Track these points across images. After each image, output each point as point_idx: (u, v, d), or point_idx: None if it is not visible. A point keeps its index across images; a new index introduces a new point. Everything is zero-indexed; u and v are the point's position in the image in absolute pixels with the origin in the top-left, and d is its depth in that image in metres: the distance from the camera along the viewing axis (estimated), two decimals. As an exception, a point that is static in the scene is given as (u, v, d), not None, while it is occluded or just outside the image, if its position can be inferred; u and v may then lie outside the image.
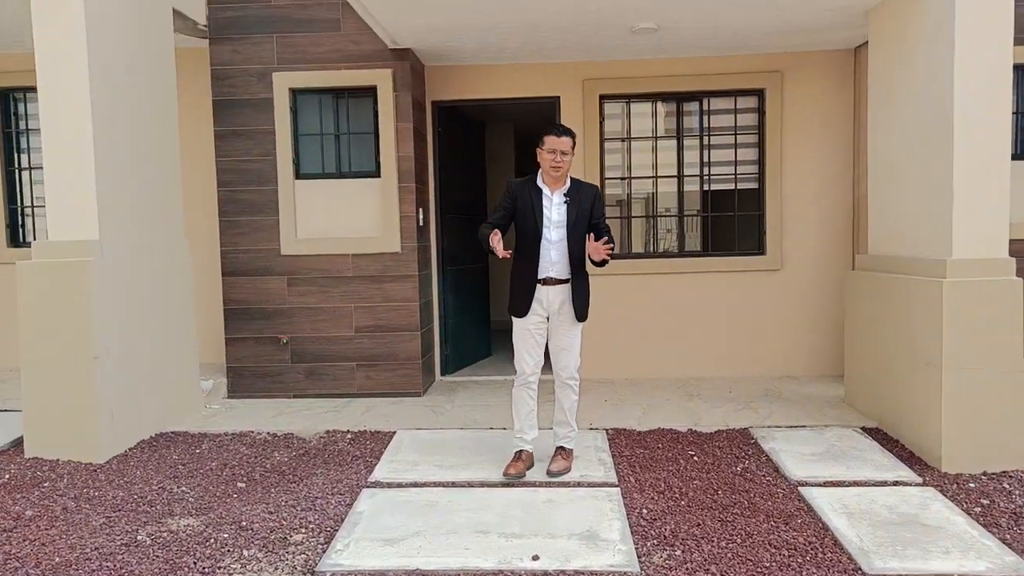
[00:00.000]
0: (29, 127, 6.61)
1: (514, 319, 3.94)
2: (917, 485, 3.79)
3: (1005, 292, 4.00)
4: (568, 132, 3.82)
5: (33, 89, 6.04)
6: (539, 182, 3.89)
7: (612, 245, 3.76)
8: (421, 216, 5.96)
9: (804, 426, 4.81)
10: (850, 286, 5.23)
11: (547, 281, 3.84)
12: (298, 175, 5.83)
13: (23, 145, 6.71)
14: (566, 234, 3.83)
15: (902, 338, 4.46)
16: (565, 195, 3.84)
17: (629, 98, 6.40)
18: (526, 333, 3.91)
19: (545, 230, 3.82)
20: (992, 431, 3.98)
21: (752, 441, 4.52)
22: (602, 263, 3.78)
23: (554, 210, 3.83)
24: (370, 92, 5.75)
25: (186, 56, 6.15)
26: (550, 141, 3.78)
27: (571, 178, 3.91)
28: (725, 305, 6.33)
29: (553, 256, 3.83)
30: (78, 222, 4.35)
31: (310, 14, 5.67)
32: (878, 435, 4.60)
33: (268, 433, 4.86)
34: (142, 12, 4.90)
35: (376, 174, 5.80)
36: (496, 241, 3.71)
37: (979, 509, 3.48)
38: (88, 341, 4.26)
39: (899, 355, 4.50)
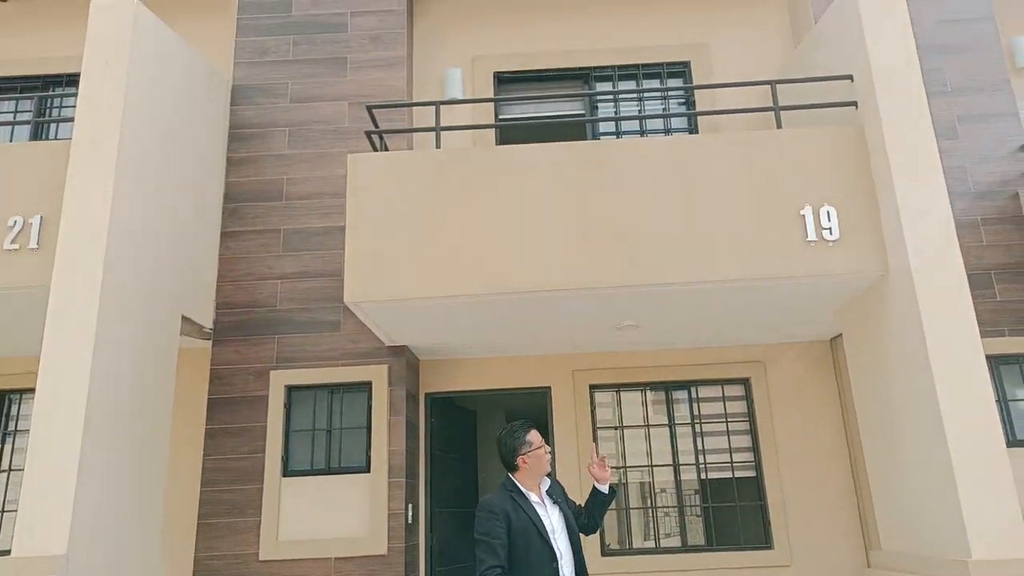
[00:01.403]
0: (18, 428, 6.57)
1: None
2: None
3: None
4: None
5: (28, 391, 6.15)
6: (523, 489, 3.34)
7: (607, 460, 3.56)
8: (410, 513, 5.70)
9: None
10: (871, 588, 4.88)
11: None
12: (286, 472, 5.68)
13: (8, 446, 6.60)
14: (569, 541, 3.30)
15: (940, 653, 4.04)
16: (549, 493, 3.41)
17: (619, 387, 6.54)
18: None
19: (553, 544, 3.21)
20: None
21: None
22: (611, 494, 3.52)
23: (552, 515, 3.32)
24: (365, 387, 5.86)
25: (185, 355, 6.34)
26: (538, 437, 3.42)
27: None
28: (739, 608, 5.82)
29: (567, 574, 3.20)
30: (47, 534, 4.10)
31: (312, 317, 5.98)
32: None
33: None
34: (151, 321, 5.15)
35: (366, 469, 5.67)
36: None
37: None
38: None
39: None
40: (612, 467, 6.29)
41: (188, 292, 5.71)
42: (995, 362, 5.57)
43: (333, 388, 5.90)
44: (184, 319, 5.63)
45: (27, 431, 6.31)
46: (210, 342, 5.99)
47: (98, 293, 4.51)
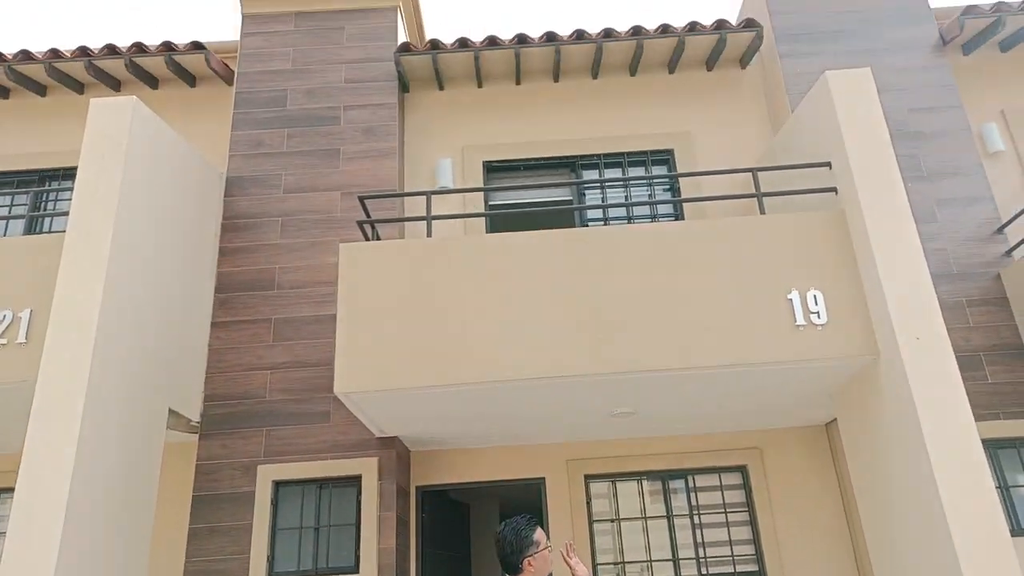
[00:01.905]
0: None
1: None
2: None
3: None
4: None
5: (8, 491, 5.96)
6: None
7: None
8: (401, 615, 5.46)
9: None
10: None
11: None
12: (271, 574, 5.45)
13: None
14: None
15: None
16: None
17: (614, 477, 6.39)
18: None
19: None
20: None
21: None
22: None
23: None
24: (354, 481, 5.70)
25: (169, 449, 6.19)
26: (544, 536, 3.38)
27: None
28: None
29: None
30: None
31: (301, 408, 5.88)
32: None
33: None
34: (137, 417, 5.04)
35: (355, 569, 5.44)
36: None
37: None
38: None
39: None
40: (610, 563, 6.13)
41: (176, 385, 5.62)
42: (991, 446, 5.48)
43: (322, 483, 5.74)
44: (171, 412, 5.52)
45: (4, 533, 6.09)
46: (196, 436, 5.86)
47: (85, 389, 4.43)
